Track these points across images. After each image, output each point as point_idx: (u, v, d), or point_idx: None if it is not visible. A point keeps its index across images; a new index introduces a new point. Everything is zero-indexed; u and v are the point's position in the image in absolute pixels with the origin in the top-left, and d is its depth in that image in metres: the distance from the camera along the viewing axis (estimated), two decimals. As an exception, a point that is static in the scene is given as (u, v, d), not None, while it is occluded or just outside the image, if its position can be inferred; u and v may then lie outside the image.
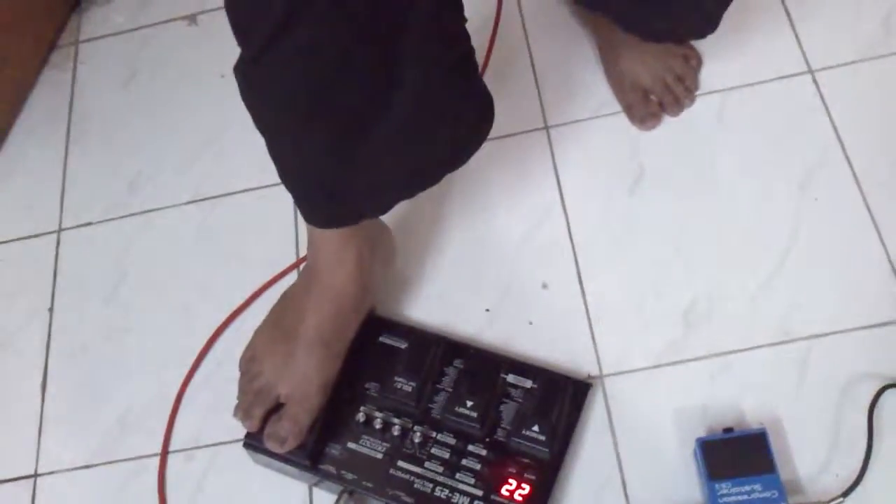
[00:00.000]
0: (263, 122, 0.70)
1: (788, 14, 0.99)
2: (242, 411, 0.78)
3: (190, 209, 1.01)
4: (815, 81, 0.94)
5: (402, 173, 0.75)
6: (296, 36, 0.60)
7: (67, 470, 0.87)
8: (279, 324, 0.81)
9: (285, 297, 0.83)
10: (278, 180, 0.75)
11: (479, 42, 0.95)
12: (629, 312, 0.85)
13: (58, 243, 1.01)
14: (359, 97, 0.66)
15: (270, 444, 0.77)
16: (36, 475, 0.88)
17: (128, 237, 1.00)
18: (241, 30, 0.63)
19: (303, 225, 0.94)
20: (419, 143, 0.72)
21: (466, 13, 0.70)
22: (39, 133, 1.12)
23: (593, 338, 0.85)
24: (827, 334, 0.81)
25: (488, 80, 0.80)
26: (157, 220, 1.01)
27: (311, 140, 0.69)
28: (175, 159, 1.05)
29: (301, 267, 0.90)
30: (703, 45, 0.97)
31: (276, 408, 0.78)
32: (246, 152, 1.01)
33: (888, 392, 0.76)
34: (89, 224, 1.02)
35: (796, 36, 0.97)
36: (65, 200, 1.05)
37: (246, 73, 0.66)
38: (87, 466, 0.87)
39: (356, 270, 0.79)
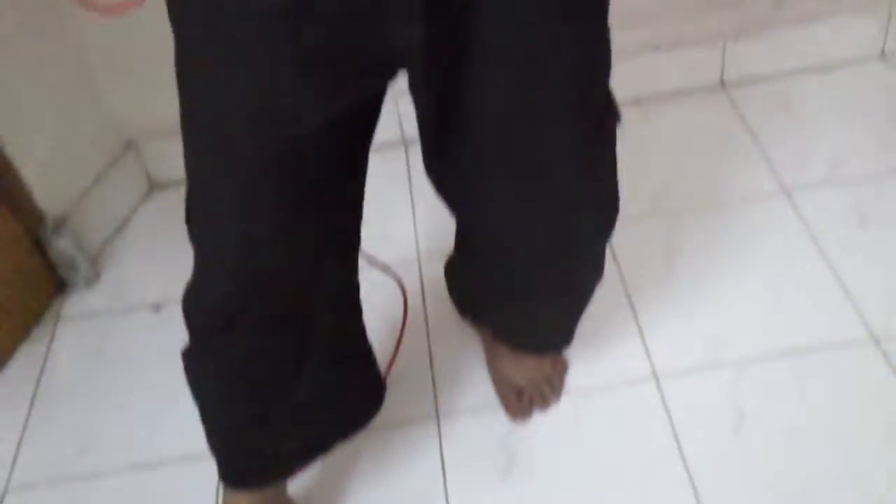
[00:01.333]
0: (195, 395, 0.90)
1: (639, 326, 1.21)
2: None
3: (128, 475, 1.14)
4: (658, 387, 1.13)
5: (299, 444, 0.93)
6: (218, 341, 0.82)
7: None
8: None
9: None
10: (206, 453, 0.92)
11: (388, 345, 1.16)
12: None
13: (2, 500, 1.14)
14: (268, 387, 0.86)
15: None
16: None
17: (68, 500, 1.13)
18: (187, 325, 0.85)
19: (222, 496, 1.08)
20: (316, 421, 0.91)
21: (378, 320, 0.92)
22: (7, 399, 1.27)
23: None
24: None
25: (393, 375, 0.98)
26: (100, 483, 1.14)
27: (228, 414, 0.88)
28: (122, 430, 1.20)
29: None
30: (569, 353, 1.17)
31: None
32: (182, 429, 1.17)
33: None
34: (34, 485, 1.15)
35: (644, 345, 1.18)
36: (17, 461, 1.18)
37: (186, 357, 0.87)
38: None
39: None
